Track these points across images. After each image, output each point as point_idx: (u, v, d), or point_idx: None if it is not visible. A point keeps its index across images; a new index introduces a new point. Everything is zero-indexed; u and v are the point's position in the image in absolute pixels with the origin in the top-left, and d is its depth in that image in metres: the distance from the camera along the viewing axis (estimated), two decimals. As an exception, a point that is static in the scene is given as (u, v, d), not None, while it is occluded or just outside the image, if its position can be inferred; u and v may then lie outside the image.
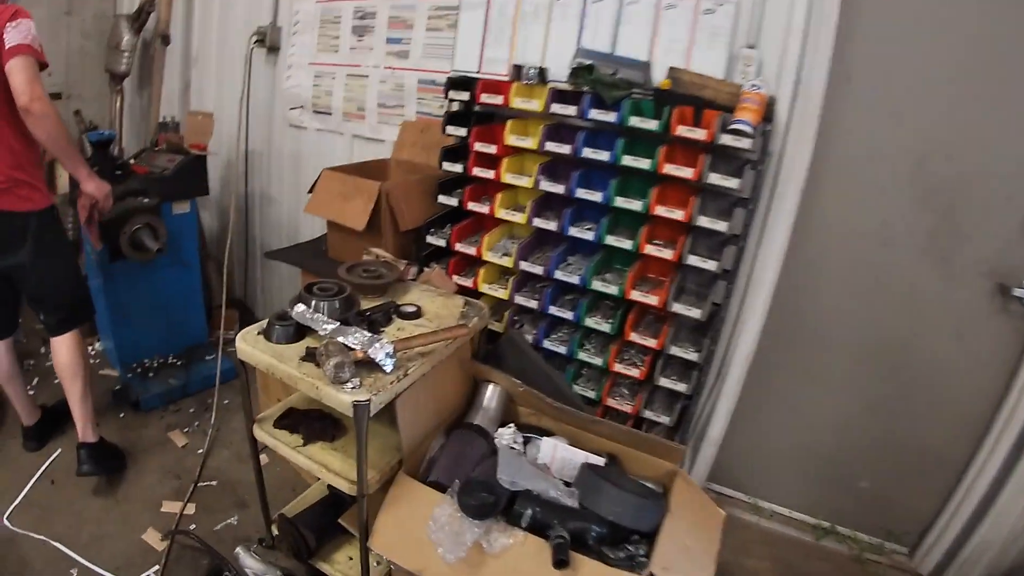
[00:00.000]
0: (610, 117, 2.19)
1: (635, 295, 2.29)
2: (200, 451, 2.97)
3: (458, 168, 2.54)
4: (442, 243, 2.63)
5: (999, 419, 2.18)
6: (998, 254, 2.07)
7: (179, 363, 3.43)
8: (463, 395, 2.29)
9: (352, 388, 1.67)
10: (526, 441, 2.17)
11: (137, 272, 3.04)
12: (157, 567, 2.31)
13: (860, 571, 2.38)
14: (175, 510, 2.59)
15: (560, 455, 2.03)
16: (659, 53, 2.39)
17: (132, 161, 3.13)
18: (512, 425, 2.20)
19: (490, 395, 2.28)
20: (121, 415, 3.18)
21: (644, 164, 2.19)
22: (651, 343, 2.32)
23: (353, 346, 1.78)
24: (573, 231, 2.36)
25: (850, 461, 2.43)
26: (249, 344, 1.88)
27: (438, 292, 2.37)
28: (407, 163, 3.02)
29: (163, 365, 3.39)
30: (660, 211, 2.19)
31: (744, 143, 2.00)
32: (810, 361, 2.46)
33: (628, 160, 2.21)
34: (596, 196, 2.28)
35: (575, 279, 2.37)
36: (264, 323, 1.96)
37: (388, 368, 1.75)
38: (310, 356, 1.80)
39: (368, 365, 1.75)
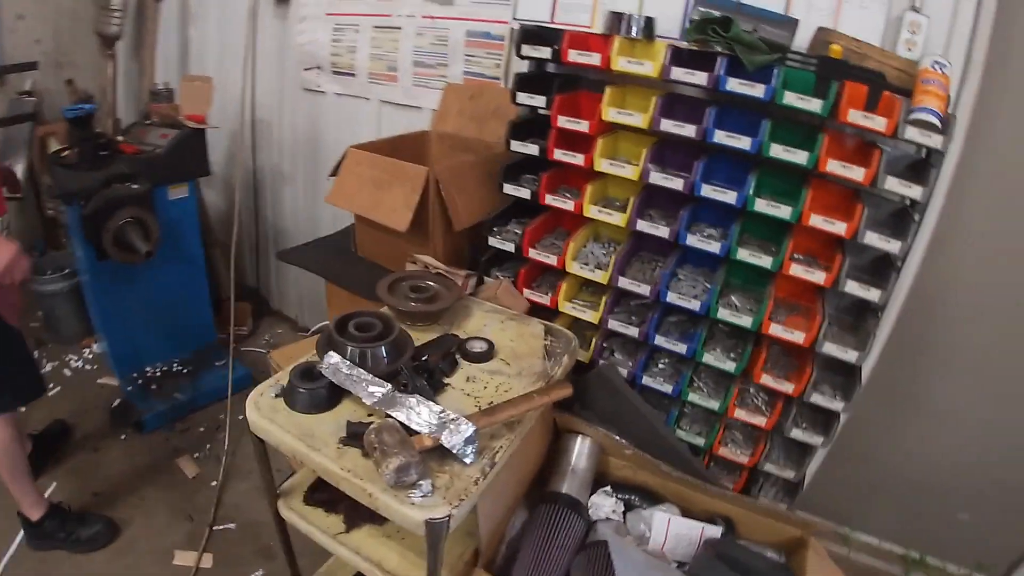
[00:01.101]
0: (756, 91, 1.59)
1: (775, 330, 1.73)
2: (214, 483, 2.53)
3: (533, 149, 1.94)
4: (510, 247, 2.08)
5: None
6: None
7: (185, 371, 2.96)
8: (545, 447, 1.81)
9: (422, 496, 1.18)
10: (626, 507, 1.75)
11: (130, 270, 2.55)
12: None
13: None
14: (189, 563, 2.21)
15: (675, 531, 1.63)
16: (798, 7, 1.81)
17: (120, 139, 2.58)
18: (608, 489, 1.76)
19: (579, 451, 1.78)
20: (123, 436, 2.75)
21: (799, 157, 1.61)
22: (786, 388, 1.78)
23: (418, 427, 1.25)
24: (692, 240, 1.78)
25: (952, 492, 2.32)
26: (264, 414, 1.38)
27: (507, 314, 1.84)
28: (452, 137, 2.45)
29: (167, 374, 2.93)
30: (816, 221, 1.62)
31: (933, 140, 1.50)
32: (924, 390, 2.26)
33: (777, 150, 1.62)
34: (728, 196, 1.70)
35: (694, 305, 1.80)
36: (282, 379, 1.44)
37: (469, 459, 1.26)
38: (353, 437, 1.29)
39: (439, 452, 1.25)
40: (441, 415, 1.28)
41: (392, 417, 1.28)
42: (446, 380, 1.52)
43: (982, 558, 2.37)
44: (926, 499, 2.38)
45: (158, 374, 2.91)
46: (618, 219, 1.85)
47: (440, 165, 1.99)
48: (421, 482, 1.17)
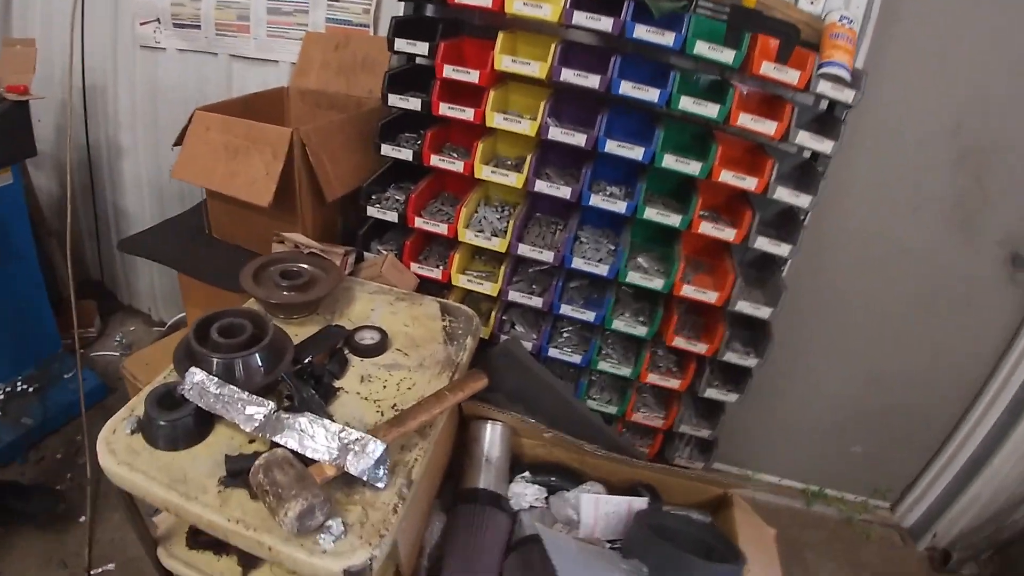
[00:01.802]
0: (666, 39, 1.43)
1: (687, 291, 1.64)
2: (83, 518, 2.15)
3: (414, 103, 1.70)
4: (391, 216, 1.83)
5: (993, 384, 2.25)
6: (1019, 222, 2.02)
7: (32, 389, 2.52)
8: (453, 438, 1.64)
9: (333, 541, 0.98)
10: (548, 491, 1.62)
11: None
12: None
13: (851, 533, 2.46)
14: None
15: (603, 511, 1.52)
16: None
17: None
18: (527, 476, 1.62)
19: (491, 439, 1.62)
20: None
21: (710, 111, 1.50)
22: (699, 348, 1.72)
23: (314, 455, 1.03)
24: (596, 200, 1.63)
25: (845, 428, 2.48)
26: (122, 459, 1.11)
27: (396, 294, 1.63)
28: (316, 94, 2.16)
29: (11, 396, 2.47)
30: (726, 177, 1.53)
31: (845, 94, 1.48)
32: (816, 335, 2.36)
33: (687, 103, 1.49)
34: (635, 152, 1.56)
35: (601, 269, 1.67)
36: (137, 408, 1.16)
37: (382, 483, 1.07)
38: (236, 475, 1.04)
39: (344, 478, 1.05)
40: (342, 435, 1.06)
41: (281, 446, 1.05)
42: (337, 384, 1.29)
43: (877, 484, 2.57)
44: (820, 436, 2.51)
45: (1, 397, 2.44)
46: (514, 180, 1.66)
47: (308, 128, 1.70)
48: (330, 522, 0.96)
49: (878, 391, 2.37)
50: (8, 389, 2.47)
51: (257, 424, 1.08)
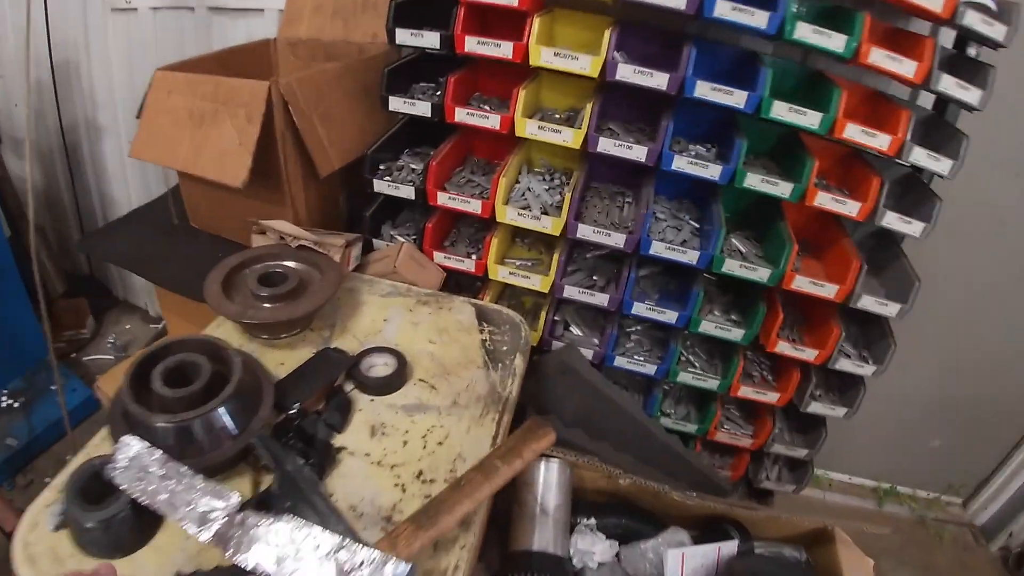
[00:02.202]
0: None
1: (800, 283, 1.24)
2: None
3: (430, 39, 1.27)
4: (406, 192, 1.38)
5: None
6: None
7: (17, 404, 2.24)
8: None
9: None
10: (620, 539, 1.25)
11: None
12: None
13: (924, 535, 2.33)
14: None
15: (691, 565, 1.20)
16: None
17: None
18: (593, 524, 1.24)
19: (545, 482, 1.21)
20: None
21: (835, 43, 1.06)
22: (807, 355, 1.33)
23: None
24: (680, 162, 1.20)
25: (923, 422, 2.28)
26: (42, 570, 0.75)
27: (415, 295, 1.24)
28: (309, 43, 1.74)
29: None
30: (852, 132, 1.12)
31: (995, 29, 1.11)
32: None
33: (806, 32, 1.06)
34: (735, 98, 1.12)
35: (690, 256, 1.25)
36: (57, 494, 0.79)
37: None
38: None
39: None
40: (342, 555, 0.67)
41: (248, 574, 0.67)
42: (337, 442, 0.91)
43: (951, 480, 2.40)
44: (897, 431, 2.32)
45: None
46: (569, 137, 1.23)
47: (289, 79, 1.29)
48: None
49: (961, 380, 2.15)
50: None
51: (214, 532, 0.71)
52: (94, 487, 0.78)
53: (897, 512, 2.40)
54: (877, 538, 2.23)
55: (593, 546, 1.21)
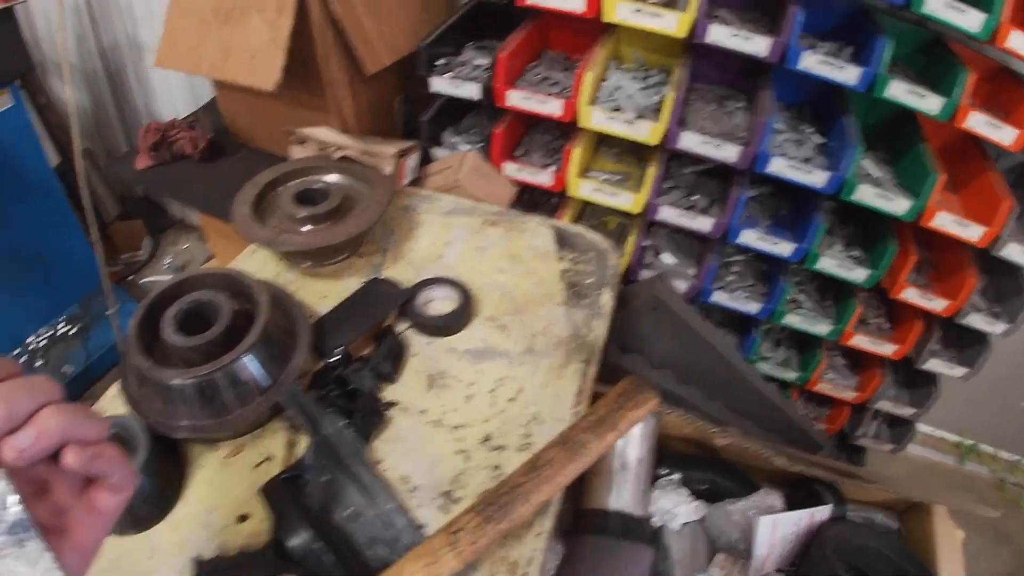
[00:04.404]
0: None
1: (942, 221, 0.98)
2: None
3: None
4: (471, 91, 1.15)
5: None
6: None
7: (74, 331, 2.22)
8: None
9: None
10: (707, 497, 1.10)
11: None
12: None
13: (1001, 498, 2.23)
14: None
15: (781, 533, 1.05)
16: None
17: None
18: (676, 479, 1.09)
19: (625, 439, 1.02)
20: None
21: (970, 21, 0.86)
22: (936, 306, 1.08)
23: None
24: (810, 60, 0.93)
25: (1015, 381, 2.07)
26: None
27: (484, 214, 1.04)
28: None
29: (53, 340, 2.19)
30: (975, 122, 0.90)
31: None
32: None
33: (937, 6, 0.85)
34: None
35: (816, 177, 1.00)
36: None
37: None
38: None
39: None
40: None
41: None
42: (385, 395, 0.74)
43: None
44: (988, 387, 2.06)
45: (42, 344, 2.16)
46: (672, 22, 0.97)
47: (326, -42, 1.07)
48: None
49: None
50: (50, 333, 2.19)
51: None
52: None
53: (976, 471, 2.27)
54: (951, 495, 2.17)
55: (677, 506, 1.04)
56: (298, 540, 0.57)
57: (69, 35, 2.44)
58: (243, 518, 0.66)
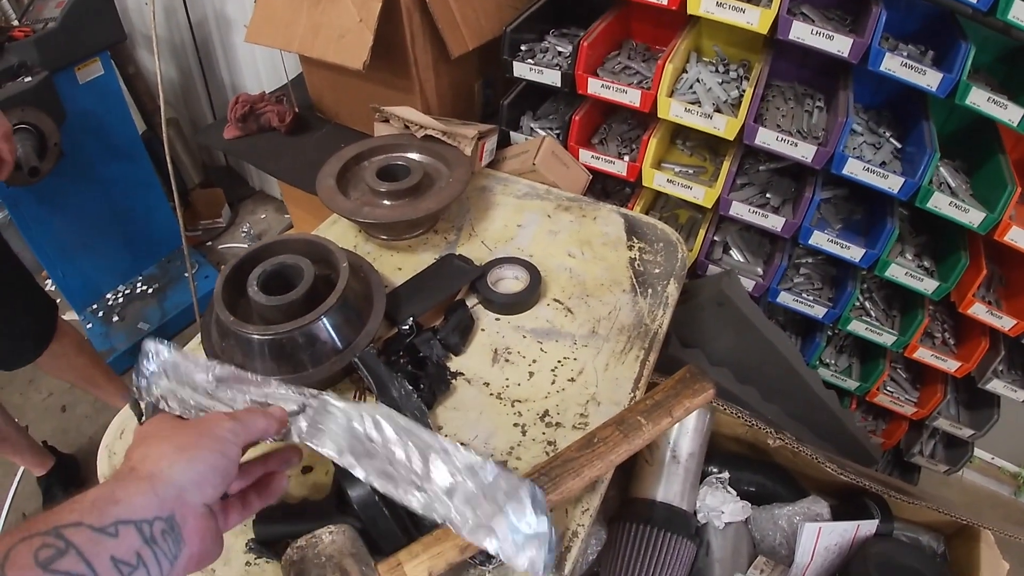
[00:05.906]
0: None
1: (1016, 236, 0.98)
2: None
3: None
4: (552, 78, 1.17)
5: None
6: None
7: (151, 290, 2.31)
8: None
9: None
10: (753, 499, 1.10)
11: (55, 185, 1.84)
12: None
13: None
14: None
15: (825, 542, 1.05)
16: None
17: (16, 25, 1.78)
18: (725, 477, 1.09)
19: (680, 427, 1.03)
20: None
21: None
22: (1003, 323, 1.06)
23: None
24: (891, 63, 0.91)
25: None
26: None
27: (555, 199, 1.07)
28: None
29: (131, 298, 2.29)
30: None
31: None
32: None
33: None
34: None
35: (891, 182, 0.98)
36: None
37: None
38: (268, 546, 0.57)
39: None
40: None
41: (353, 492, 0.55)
42: (452, 367, 0.77)
43: None
44: None
45: (120, 300, 2.27)
46: (754, 18, 0.97)
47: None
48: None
49: None
50: (127, 291, 2.29)
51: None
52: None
53: (1028, 506, 2.13)
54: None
55: (724, 504, 1.05)
56: (360, 491, 0.60)
57: (159, 8, 2.53)
58: (307, 469, 0.70)
